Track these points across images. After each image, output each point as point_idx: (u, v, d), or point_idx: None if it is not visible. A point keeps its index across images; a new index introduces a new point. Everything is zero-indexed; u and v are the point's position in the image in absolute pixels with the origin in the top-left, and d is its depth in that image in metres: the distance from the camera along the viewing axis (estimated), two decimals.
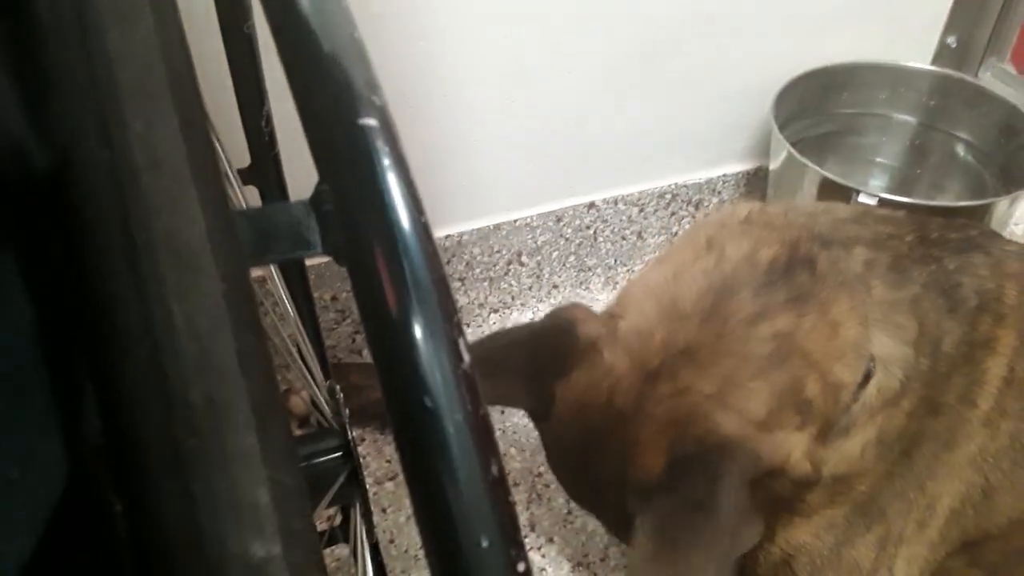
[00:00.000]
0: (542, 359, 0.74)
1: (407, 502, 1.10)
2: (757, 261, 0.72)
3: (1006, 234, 1.36)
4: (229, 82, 0.79)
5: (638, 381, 0.69)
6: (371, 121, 0.38)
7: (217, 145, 0.67)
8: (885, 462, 0.78)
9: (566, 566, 1.03)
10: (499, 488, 0.34)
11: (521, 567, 0.33)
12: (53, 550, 0.29)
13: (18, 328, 0.31)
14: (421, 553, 1.03)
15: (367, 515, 0.73)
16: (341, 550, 0.82)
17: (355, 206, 0.36)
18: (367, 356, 1.26)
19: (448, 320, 0.35)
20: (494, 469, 0.34)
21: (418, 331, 0.34)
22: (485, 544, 0.32)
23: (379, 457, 1.12)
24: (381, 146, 0.37)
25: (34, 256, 0.31)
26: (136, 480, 0.27)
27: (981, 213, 1.21)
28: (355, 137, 0.37)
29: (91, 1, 0.32)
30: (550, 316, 0.77)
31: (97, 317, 0.28)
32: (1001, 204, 1.20)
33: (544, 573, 1.02)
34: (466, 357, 0.35)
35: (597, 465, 0.70)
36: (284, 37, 0.42)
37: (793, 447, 0.68)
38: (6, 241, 0.31)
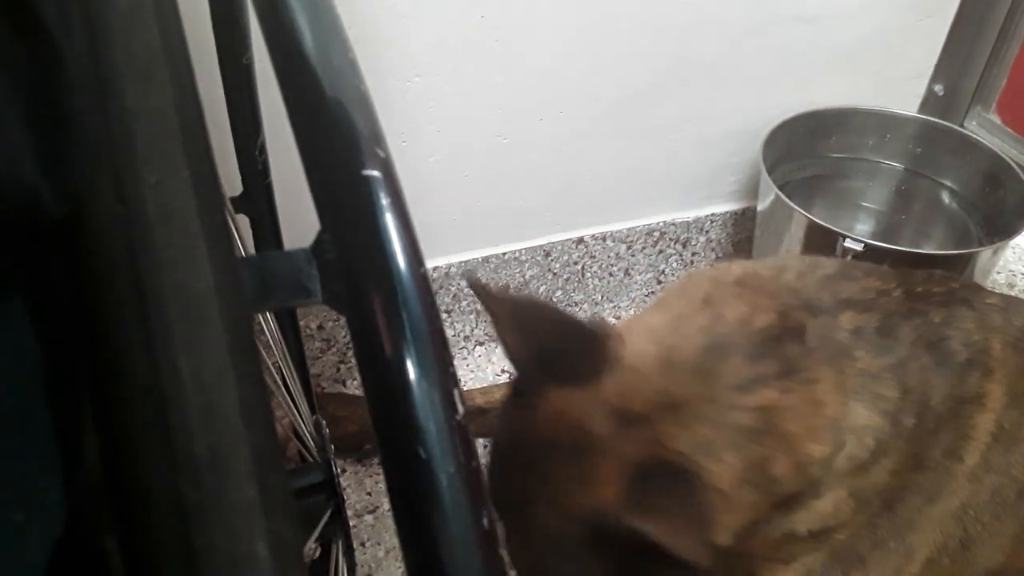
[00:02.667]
0: (565, 352, 0.74)
1: (387, 536, 1.10)
2: (751, 328, 0.73)
3: (988, 283, 1.38)
4: (223, 108, 0.79)
5: (621, 420, 0.68)
6: (375, 173, 0.39)
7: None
8: (864, 514, 0.79)
9: None
10: (490, 540, 0.34)
11: None
12: None
13: (25, 369, 0.31)
14: None
15: (349, 553, 0.73)
16: None
17: (356, 256, 0.37)
18: (352, 386, 1.26)
19: (444, 372, 0.36)
20: (485, 521, 0.34)
21: (414, 382, 0.35)
22: None
23: (359, 490, 1.12)
24: (384, 198, 0.38)
25: (42, 300, 0.32)
26: (137, 530, 0.27)
27: (964, 261, 1.23)
28: (359, 188, 0.38)
29: (109, 54, 0.32)
30: (591, 322, 0.77)
31: (105, 367, 0.28)
32: (984, 253, 1.22)
33: None
34: (460, 408, 0.36)
35: (544, 474, 0.69)
36: (290, 85, 0.42)
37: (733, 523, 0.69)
38: (16, 284, 0.31)
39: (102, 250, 0.29)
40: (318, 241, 0.37)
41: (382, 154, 0.38)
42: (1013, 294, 1.50)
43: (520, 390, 0.75)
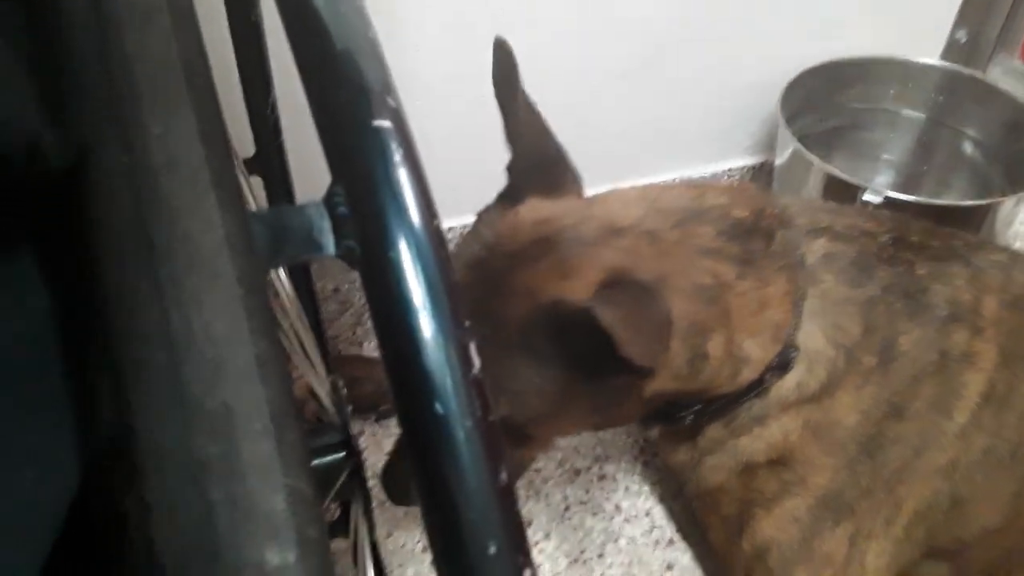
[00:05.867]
0: (544, 159, 0.79)
1: None
2: (728, 214, 0.77)
3: (1010, 234, 1.36)
4: (234, 69, 0.78)
5: (604, 231, 0.72)
6: (385, 123, 0.38)
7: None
8: (837, 457, 0.80)
9: (563, 562, 1.03)
10: (507, 495, 0.34)
11: (527, 574, 0.33)
12: (66, 553, 0.29)
13: (34, 323, 0.31)
14: (419, 547, 1.03)
15: (368, 512, 0.74)
16: (339, 543, 0.82)
17: (368, 209, 0.36)
18: (368, 348, 1.26)
19: (460, 326, 0.35)
20: (503, 476, 0.34)
21: (429, 337, 0.34)
22: (492, 551, 0.32)
23: (377, 450, 1.12)
24: (395, 148, 0.37)
25: (50, 253, 0.31)
26: (152, 484, 0.27)
27: (986, 212, 1.20)
28: (370, 139, 0.37)
29: (110, 1, 0.32)
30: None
31: (114, 320, 0.28)
32: (1006, 204, 1.20)
33: (540, 569, 1.03)
34: (476, 363, 0.35)
35: (523, 267, 0.72)
36: (298, 36, 0.41)
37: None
38: (23, 237, 0.31)
39: (108, 201, 0.28)
40: (330, 194, 0.36)
41: (393, 104, 0.37)
42: None
43: (504, 195, 0.79)
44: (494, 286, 0.72)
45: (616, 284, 0.68)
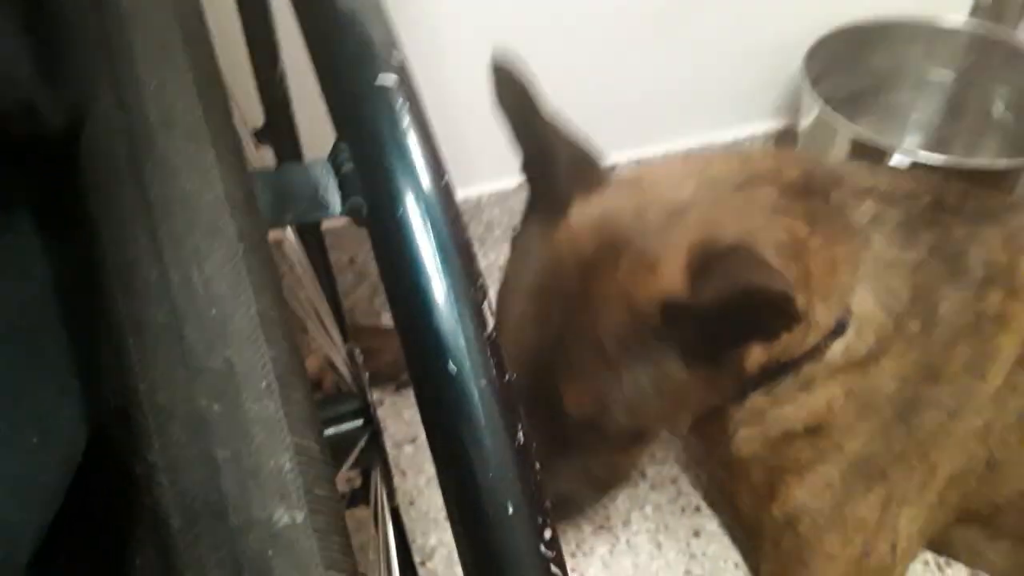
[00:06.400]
0: (573, 163, 0.73)
1: (427, 465, 1.10)
2: (780, 176, 0.74)
3: None
4: (241, 39, 0.77)
5: (668, 214, 0.69)
6: (391, 79, 0.37)
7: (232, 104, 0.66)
8: (873, 422, 0.78)
9: (588, 528, 1.03)
10: (525, 454, 0.33)
11: (548, 534, 0.32)
12: (73, 514, 0.29)
13: (35, 285, 0.30)
14: (441, 515, 1.03)
15: (387, 479, 0.73)
16: (362, 512, 0.82)
17: (375, 166, 0.35)
18: (386, 319, 1.26)
19: (472, 284, 0.34)
20: (520, 435, 0.33)
21: (441, 295, 0.34)
22: (511, 511, 0.32)
23: (398, 420, 1.12)
24: (401, 104, 0.36)
25: (50, 215, 0.31)
26: (157, 444, 0.27)
27: (1017, 173, 1.18)
28: (375, 95, 0.36)
29: None
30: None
31: (114, 279, 0.27)
32: None
33: (564, 536, 1.02)
34: (490, 322, 0.35)
35: (599, 276, 0.67)
36: None
37: None
38: (21, 198, 0.30)
39: (105, 158, 0.28)
40: (335, 152, 0.35)
41: (398, 59, 0.36)
42: None
43: (537, 209, 0.75)
44: (575, 305, 0.68)
45: (709, 258, 0.63)
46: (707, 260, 0.63)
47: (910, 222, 0.78)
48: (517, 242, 0.76)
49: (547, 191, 0.73)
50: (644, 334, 0.65)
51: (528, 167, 0.75)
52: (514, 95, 0.70)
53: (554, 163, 0.71)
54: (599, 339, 0.66)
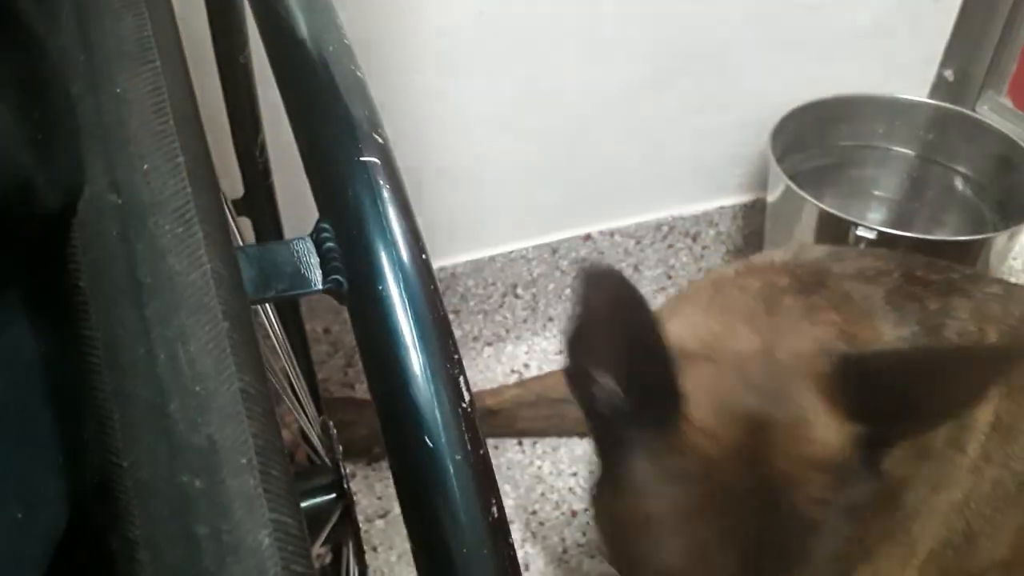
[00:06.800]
0: (649, 347, 0.62)
1: (398, 540, 1.09)
2: (778, 286, 0.75)
3: (1004, 268, 1.36)
4: (223, 110, 0.79)
5: (764, 368, 0.65)
6: (373, 159, 0.38)
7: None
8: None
9: None
10: (499, 528, 0.33)
11: None
12: None
13: (22, 363, 0.31)
14: None
15: (360, 555, 0.73)
16: None
17: (357, 244, 0.36)
18: (359, 390, 1.25)
19: (449, 359, 0.35)
20: (494, 510, 0.34)
21: (418, 370, 0.34)
22: None
23: (370, 494, 1.11)
24: (383, 184, 0.37)
25: (40, 292, 0.32)
26: (138, 521, 0.27)
27: (980, 247, 1.21)
28: (356, 174, 0.37)
29: (99, 42, 0.32)
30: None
31: (102, 357, 0.28)
32: (1000, 238, 1.20)
33: None
34: (467, 396, 0.35)
35: (766, 469, 0.62)
36: (285, 72, 0.42)
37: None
38: (12, 278, 0.31)
39: (96, 238, 0.28)
40: (317, 229, 0.37)
41: (380, 140, 0.38)
42: None
43: (638, 421, 0.65)
44: (757, 501, 0.62)
45: (840, 385, 0.62)
46: (841, 387, 0.63)
47: (892, 298, 0.79)
48: (624, 483, 0.66)
49: (648, 404, 0.64)
50: (838, 480, 0.62)
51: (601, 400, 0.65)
52: (616, 302, 0.60)
53: (667, 369, 0.62)
54: (801, 516, 0.62)
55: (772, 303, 0.73)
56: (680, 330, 0.68)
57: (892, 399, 0.61)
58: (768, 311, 0.72)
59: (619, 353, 0.62)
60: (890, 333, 0.76)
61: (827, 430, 0.62)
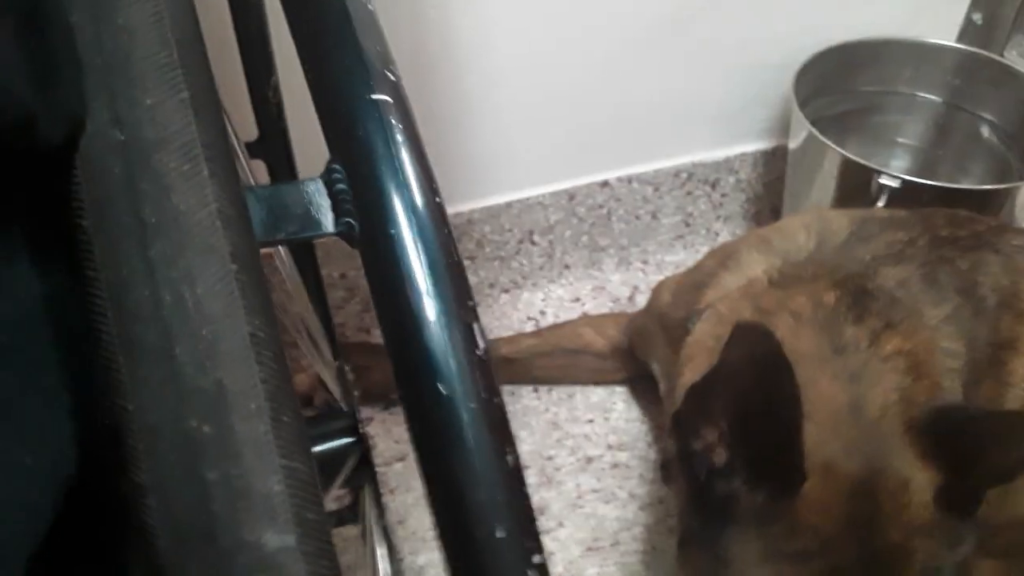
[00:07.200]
0: (779, 418, 0.59)
1: (416, 483, 1.09)
2: (828, 306, 0.71)
3: None
4: (236, 51, 0.77)
5: (854, 428, 0.64)
6: (385, 96, 0.37)
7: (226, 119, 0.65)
8: None
9: (576, 550, 1.03)
10: (514, 478, 0.33)
11: (536, 559, 0.32)
12: (63, 535, 0.28)
13: (25, 303, 0.30)
14: (430, 534, 1.03)
15: (377, 497, 0.73)
16: (350, 530, 0.81)
17: (368, 186, 0.35)
18: (376, 335, 1.25)
19: (463, 305, 0.34)
20: (509, 458, 0.33)
21: (432, 316, 0.34)
22: (500, 535, 0.32)
23: (387, 438, 1.12)
24: (395, 124, 0.36)
25: (43, 230, 0.31)
26: (145, 465, 0.26)
27: (1004, 197, 1.19)
28: (368, 113, 0.36)
29: None
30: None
31: (106, 298, 0.27)
32: None
33: (553, 557, 1.02)
34: (481, 343, 0.35)
35: (881, 539, 0.61)
36: (294, 8, 0.41)
37: None
38: (13, 213, 0.30)
39: (99, 176, 0.27)
40: (328, 171, 0.35)
41: (392, 77, 0.36)
42: None
43: (752, 496, 0.62)
44: (878, 570, 0.61)
45: (932, 439, 0.62)
46: (934, 442, 0.62)
47: (926, 274, 0.78)
48: (726, 555, 0.63)
49: (765, 475, 0.61)
50: (944, 543, 0.62)
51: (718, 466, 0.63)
52: (758, 363, 0.57)
53: (795, 443, 0.58)
54: None
55: (835, 337, 0.69)
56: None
57: (980, 453, 0.61)
58: (835, 349, 0.69)
59: (742, 415, 0.60)
60: (934, 317, 0.75)
61: (928, 492, 0.61)
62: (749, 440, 0.61)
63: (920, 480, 0.62)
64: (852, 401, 0.65)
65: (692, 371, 0.76)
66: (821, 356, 0.69)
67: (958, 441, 0.62)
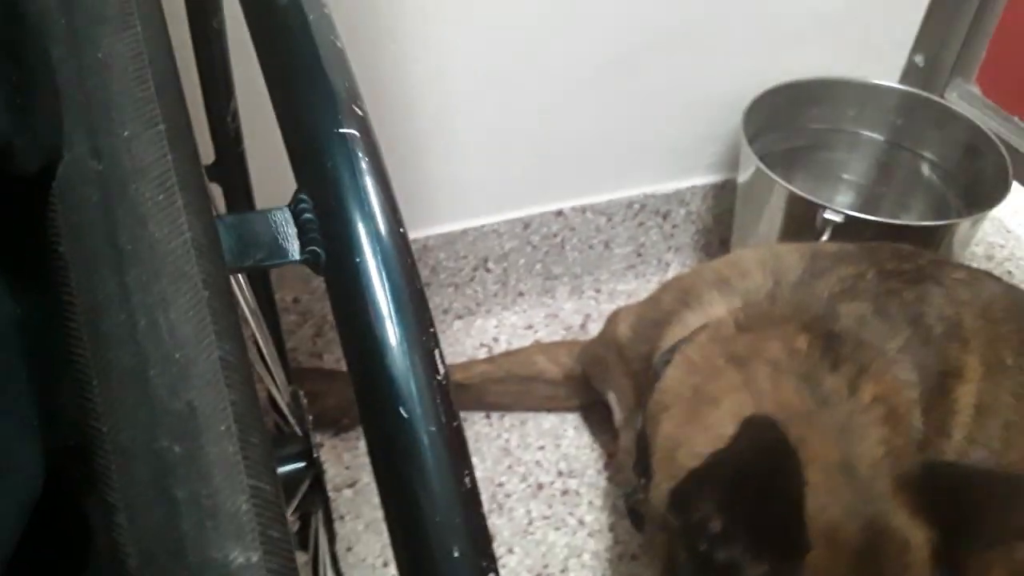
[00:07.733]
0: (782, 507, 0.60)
1: (366, 509, 1.10)
2: (800, 353, 0.73)
3: (967, 254, 1.39)
4: (195, 75, 0.78)
5: (849, 490, 0.65)
6: (353, 131, 0.38)
7: None
8: None
9: None
10: (471, 499, 0.34)
11: None
12: (29, 555, 0.29)
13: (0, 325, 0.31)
14: (379, 562, 1.03)
15: (329, 523, 0.73)
16: (299, 557, 0.81)
17: (334, 216, 0.36)
18: (328, 360, 1.25)
19: (425, 331, 0.36)
20: (467, 480, 0.34)
21: (394, 341, 0.35)
22: (457, 554, 0.33)
23: (338, 464, 1.12)
24: (362, 156, 0.38)
25: (17, 256, 0.31)
26: (117, 484, 0.27)
27: (943, 233, 1.23)
28: (336, 146, 0.38)
29: (80, 4, 0.32)
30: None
31: (82, 322, 0.28)
32: (963, 225, 1.23)
33: None
34: (442, 368, 0.36)
35: None
36: (264, 41, 0.42)
37: None
38: None
39: (77, 204, 0.28)
40: (295, 200, 0.37)
41: (360, 112, 0.38)
42: (991, 266, 1.51)
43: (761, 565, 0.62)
44: None
45: (923, 499, 0.64)
46: (927, 499, 0.64)
47: (879, 307, 0.81)
48: None
49: (766, 552, 0.62)
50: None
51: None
52: (765, 455, 0.58)
53: (799, 512, 0.58)
54: None
55: (815, 387, 0.71)
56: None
57: (978, 514, 0.63)
58: (818, 401, 0.70)
59: (746, 492, 0.61)
60: (892, 348, 0.78)
61: (926, 549, 0.63)
62: (752, 511, 0.61)
63: (918, 539, 0.63)
64: (843, 460, 0.66)
65: (670, 421, 0.77)
66: (807, 410, 0.70)
67: (954, 500, 0.64)
